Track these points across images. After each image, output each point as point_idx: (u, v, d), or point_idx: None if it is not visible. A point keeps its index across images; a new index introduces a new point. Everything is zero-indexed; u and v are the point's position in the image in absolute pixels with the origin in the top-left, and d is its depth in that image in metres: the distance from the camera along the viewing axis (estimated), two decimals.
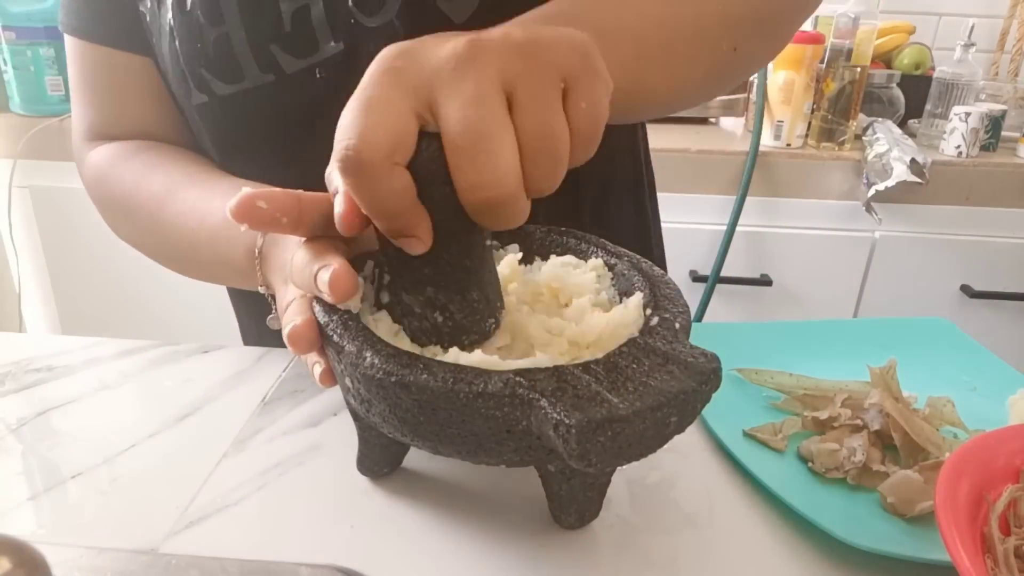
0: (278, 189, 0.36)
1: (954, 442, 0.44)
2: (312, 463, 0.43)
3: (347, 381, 0.34)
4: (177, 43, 0.52)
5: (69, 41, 0.59)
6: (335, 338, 0.34)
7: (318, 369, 0.37)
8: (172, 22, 0.52)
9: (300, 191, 0.37)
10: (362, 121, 0.29)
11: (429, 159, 0.30)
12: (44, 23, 1.45)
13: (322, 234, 0.37)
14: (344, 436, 0.45)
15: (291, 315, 0.37)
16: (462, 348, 0.34)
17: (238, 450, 0.44)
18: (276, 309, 0.44)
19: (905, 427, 0.43)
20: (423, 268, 0.34)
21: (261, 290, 0.46)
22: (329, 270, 0.34)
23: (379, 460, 0.41)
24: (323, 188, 0.47)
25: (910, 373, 0.47)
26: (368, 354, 0.32)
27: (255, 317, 0.68)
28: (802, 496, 0.39)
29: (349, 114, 0.30)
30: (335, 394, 0.49)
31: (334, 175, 0.33)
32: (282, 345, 0.55)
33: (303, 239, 0.37)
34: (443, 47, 0.30)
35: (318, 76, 0.52)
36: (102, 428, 0.46)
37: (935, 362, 0.54)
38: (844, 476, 0.42)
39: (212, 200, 0.51)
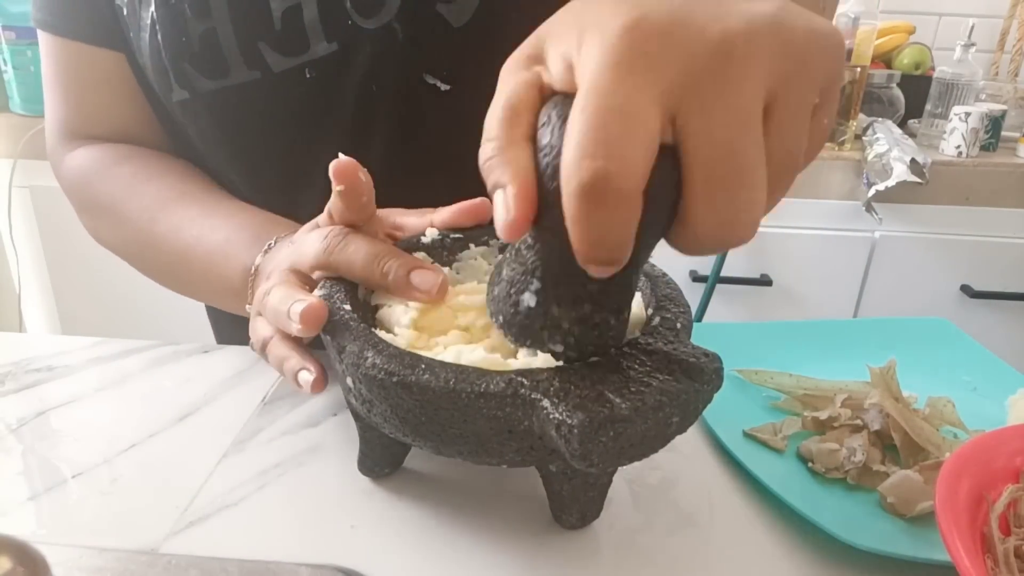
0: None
1: (954, 442, 0.44)
2: (312, 463, 0.43)
3: (348, 381, 0.34)
4: (160, 37, 0.51)
5: (42, 37, 0.57)
6: (336, 338, 0.34)
7: (306, 376, 0.38)
8: (155, 15, 0.51)
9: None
10: (614, 136, 0.23)
11: (662, 183, 0.24)
12: None
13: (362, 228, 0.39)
14: (344, 436, 0.45)
15: (299, 365, 0.39)
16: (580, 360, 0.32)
17: (238, 450, 0.44)
18: None
19: (905, 427, 0.43)
20: (590, 284, 0.29)
21: (248, 309, 0.46)
22: (302, 304, 0.35)
23: (380, 460, 0.41)
24: (309, 191, 0.47)
25: (910, 373, 0.47)
26: (370, 354, 0.32)
27: (228, 317, 0.68)
28: (802, 496, 0.39)
29: (591, 118, 0.23)
30: (335, 394, 0.49)
31: (499, 171, 0.26)
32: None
33: (284, 276, 0.40)
34: (708, 28, 0.23)
35: (308, 76, 0.51)
36: (102, 428, 0.46)
37: (935, 362, 0.54)
38: (844, 476, 0.42)
39: (212, 219, 0.51)
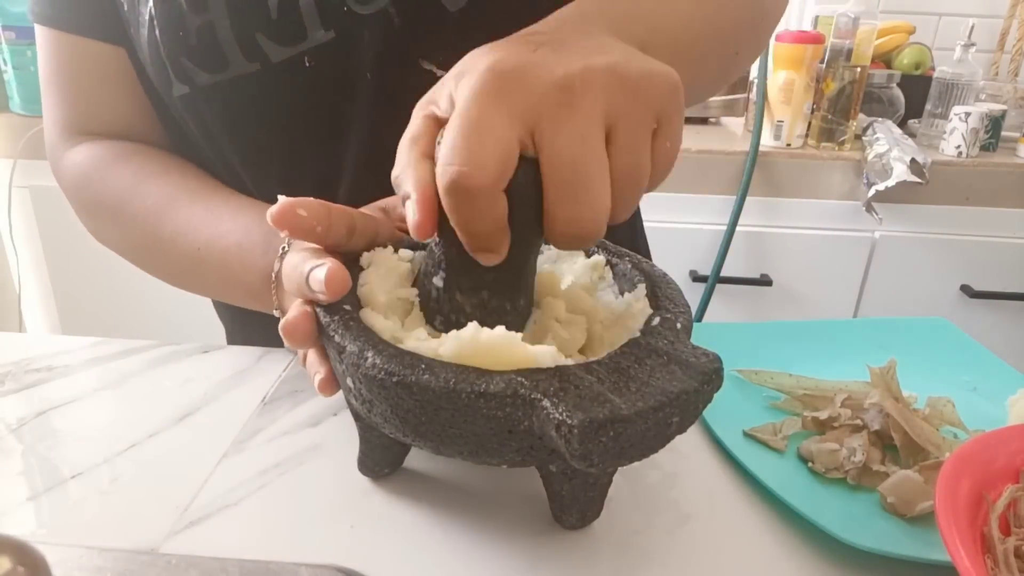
0: (311, 199, 0.37)
1: (954, 442, 0.44)
2: (312, 463, 0.43)
3: (348, 381, 0.34)
4: (157, 32, 0.51)
5: (41, 32, 0.57)
6: (336, 338, 0.34)
7: (318, 378, 0.38)
8: (153, 10, 0.51)
9: (328, 203, 0.38)
10: (472, 145, 0.29)
11: (525, 184, 0.30)
12: None
13: (345, 248, 0.39)
14: (344, 436, 0.45)
15: (290, 312, 0.38)
16: None
17: (238, 450, 0.44)
18: None
19: (905, 427, 0.43)
20: (486, 274, 0.34)
21: (276, 313, 0.46)
22: (324, 268, 0.35)
23: (380, 461, 0.41)
24: (310, 177, 0.46)
25: (910, 373, 0.47)
26: (370, 354, 0.32)
27: (239, 321, 0.68)
28: (802, 496, 0.39)
29: (455, 134, 0.29)
30: (335, 394, 0.49)
31: (406, 183, 0.32)
32: (276, 344, 0.55)
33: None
34: (552, 70, 0.30)
35: (307, 64, 0.51)
36: (102, 428, 0.46)
37: (935, 362, 0.54)
38: (844, 476, 0.42)
39: (220, 221, 0.51)
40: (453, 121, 0.30)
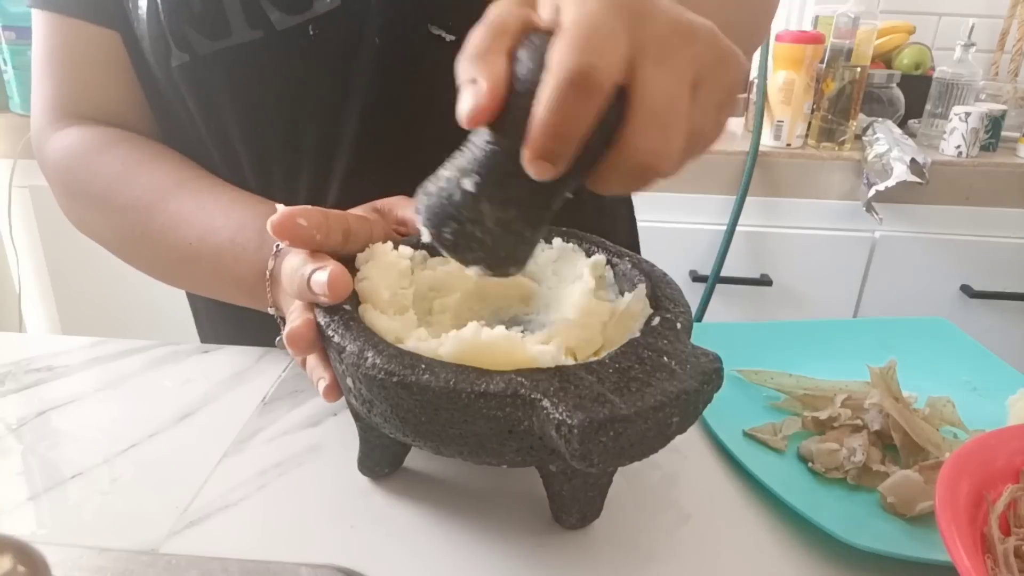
0: (310, 207, 0.37)
1: (954, 442, 0.44)
2: (312, 463, 0.43)
3: (348, 382, 0.34)
4: (159, 0, 0.51)
5: (37, 16, 0.57)
6: (336, 339, 0.34)
7: (322, 384, 0.38)
8: None
9: (324, 209, 0.38)
10: (602, 47, 0.28)
11: (611, 110, 0.30)
12: None
13: (341, 252, 0.39)
14: (344, 436, 0.45)
15: (291, 318, 0.38)
16: (493, 273, 0.34)
17: (238, 450, 0.44)
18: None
19: (905, 427, 0.43)
20: (522, 191, 0.32)
21: (271, 311, 0.46)
22: (326, 271, 0.35)
23: (380, 461, 0.41)
24: (308, 151, 0.45)
25: (910, 373, 0.47)
26: (370, 355, 0.32)
27: (214, 320, 0.67)
28: (802, 496, 0.39)
29: (582, 31, 0.29)
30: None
31: (474, 68, 0.30)
32: (249, 342, 0.55)
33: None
34: (667, 11, 0.31)
35: (311, 33, 0.51)
36: (102, 428, 0.46)
37: (935, 362, 0.54)
38: (844, 476, 0.42)
39: (212, 216, 0.50)
40: (580, 20, 0.29)
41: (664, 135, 0.30)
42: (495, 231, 0.32)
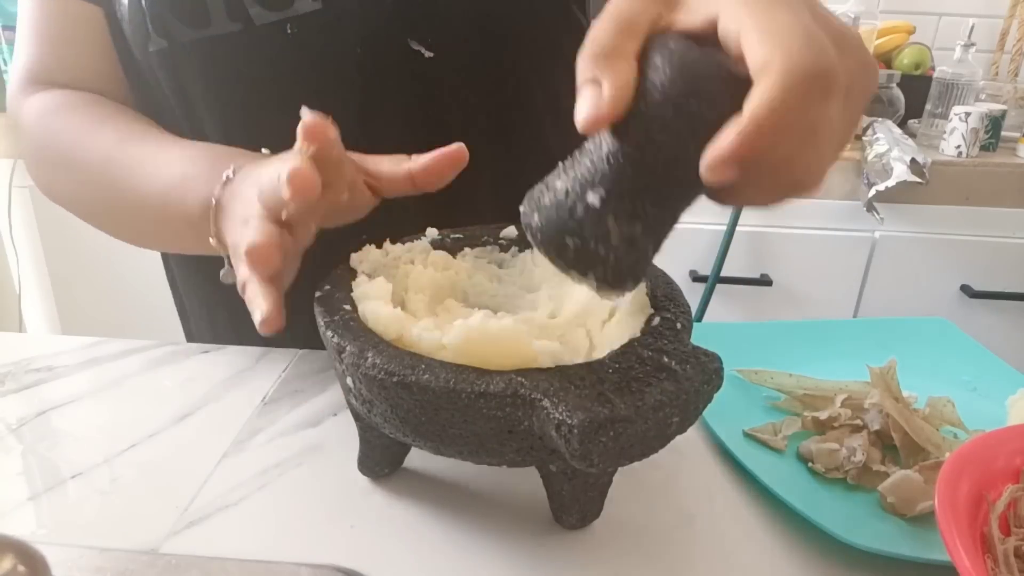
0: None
1: (954, 442, 0.44)
2: (312, 463, 0.43)
3: (348, 381, 0.34)
4: None
5: None
6: (336, 339, 0.34)
7: (258, 315, 0.34)
8: None
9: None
10: (824, 46, 0.26)
11: None
12: None
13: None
14: (344, 436, 0.45)
15: (251, 230, 0.36)
16: (611, 289, 0.32)
17: (238, 450, 0.44)
18: (229, 263, 0.43)
19: (905, 427, 0.43)
20: (648, 205, 0.30)
21: (212, 242, 0.44)
22: (287, 167, 0.33)
23: (380, 460, 0.41)
24: (277, 150, 0.44)
25: (910, 373, 0.47)
26: (370, 354, 0.32)
27: (206, 319, 0.67)
28: (802, 496, 0.39)
29: (805, 31, 0.26)
30: (335, 394, 0.49)
31: (597, 67, 0.28)
32: (251, 341, 0.54)
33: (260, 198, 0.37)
34: (830, 21, 0.29)
35: (288, 32, 0.51)
36: (102, 428, 0.46)
37: (935, 362, 0.54)
38: (844, 476, 0.42)
39: (167, 155, 0.49)
40: (780, 24, 0.26)
41: (818, 153, 0.28)
42: (620, 247, 0.30)
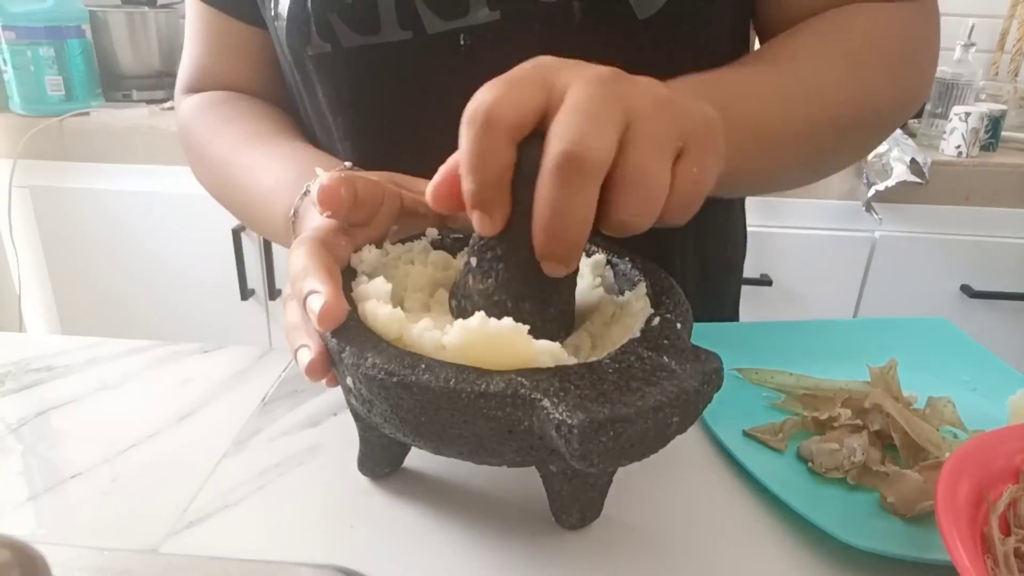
0: (348, 176, 0.37)
1: (954, 442, 0.44)
2: (312, 463, 0.43)
3: (348, 381, 0.34)
4: None
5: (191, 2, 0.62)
6: (336, 339, 0.34)
7: (305, 355, 0.35)
8: None
9: (357, 176, 0.38)
10: (590, 135, 0.29)
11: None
12: (44, 23, 1.44)
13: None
14: (344, 436, 0.45)
15: (301, 340, 0.36)
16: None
17: (238, 450, 0.44)
18: None
19: (905, 427, 0.43)
20: (549, 287, 0.34)
21: None
22: (320, 299, 0.33)
23: (380, 460, 0.41)
24: (433, 163, 0.44)
25: (910, 373, 0.47)
26: (370, 354, 0.32)
27: None
28: (802, 496, 0.39)
29: (579, 117, 0.30)
30: (335, 394, 0.49)
31: (474, 164, 0.31)
32: None
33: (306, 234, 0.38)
34: (652, 86, 0.32)
35: (461, 43, 0.49)
36: (102, 428, 0.46)
37: (935, 362, 0.54)
38: (844, 476, 0.42)
39: (270, 160, 0.52)
40: (580, 106, 0.30)
41: (641, 204, 0.30)
42: (536, 321, 0.33)
